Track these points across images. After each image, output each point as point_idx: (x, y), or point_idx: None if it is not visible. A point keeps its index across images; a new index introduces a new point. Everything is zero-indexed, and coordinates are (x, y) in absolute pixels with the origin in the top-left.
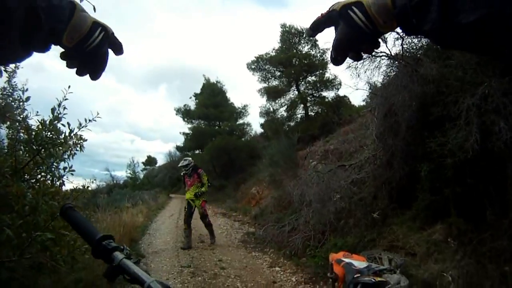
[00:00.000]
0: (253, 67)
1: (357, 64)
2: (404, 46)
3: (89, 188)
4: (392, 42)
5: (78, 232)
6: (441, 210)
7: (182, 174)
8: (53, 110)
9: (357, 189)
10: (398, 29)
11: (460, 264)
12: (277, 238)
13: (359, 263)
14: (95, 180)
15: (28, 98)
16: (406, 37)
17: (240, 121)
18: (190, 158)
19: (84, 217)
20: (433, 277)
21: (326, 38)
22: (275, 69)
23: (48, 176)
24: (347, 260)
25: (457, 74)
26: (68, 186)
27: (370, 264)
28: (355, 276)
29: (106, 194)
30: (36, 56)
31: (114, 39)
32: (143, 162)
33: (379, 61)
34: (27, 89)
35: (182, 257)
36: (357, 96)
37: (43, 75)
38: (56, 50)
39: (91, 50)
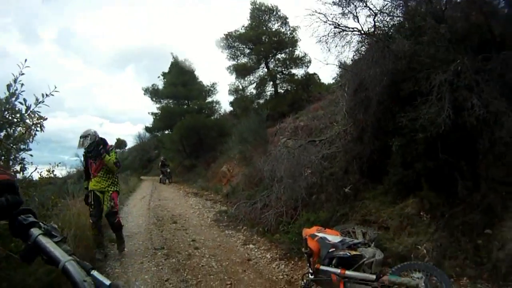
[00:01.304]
0: (222, 44)
1: (327, 38)
2: (376, 23)
3: (60, 175)
4: (364, 19)
5: None
6: (412, 185)
7: (83, 155)
8: (8, 86)
9: (328, 164)
10: (371, 5)
11: (434, 237)
12: (249, 215)
13: (333, 237)
14: (64, 166)
15: None
16: (379, 14)
17: (209, 99)
18: (93, 130)
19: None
20: (408, 250)
21: (296, 14)
22: (244, 46)
23: (10, 161)
24: (321, 234)
25: (429, 51)
26: (35, 175)
27: (344, 238)
28: (330, 250)
29: (77, 180)
30: (1, 41)
31: None
32: (111, 146)
33: (351, 36)
34: None
35: (156, 239)
36: (327, 74)
37: (7, 61)
38: (27, 37)
39: None
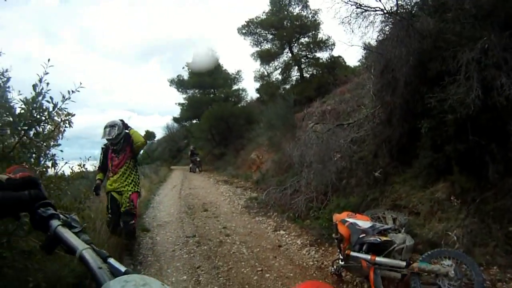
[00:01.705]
0: (244, 31)
1: (350, 19)
2: (399, 1)
3: (85, 167)
4: None
5: None
6: (443, 168)
7: (103, 147)
8: (34, 86)
9: (357, 147)
10: None
11: (464, 223)
12: (279, 201)
13: (364, 223)
14: (94, 160)
15: (8, 79)
16: None
17: (235, 87)
18: (119, 120)
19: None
20: (438, 236)
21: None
22: (266, 32)
23: (41, 159)
24: (351, 220)
25: (455, 29)
26: (67, 171)
27: (375, 223)
28: (360, 236)
29: None
30: (25, 46)
31: (16, 182)
32: None
33: (374, 16)
34: (6, 70)
35: (187, 228)
36: (352, 56)
37: (34, 64)
38: (49, 40)
39: None
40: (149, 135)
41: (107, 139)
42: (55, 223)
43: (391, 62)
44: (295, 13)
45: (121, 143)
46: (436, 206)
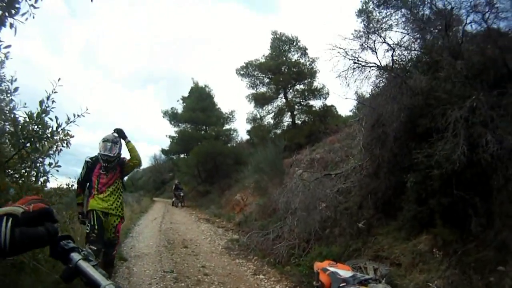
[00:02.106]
0: (242, 72)
1: (347, 73)
2: (394, 57)
3: (73, 187)
4: (382, 54)
5: None
6: (426, 221)
7: (88, 161)
8: (41, 102)
9: (343, 198)
10: (389, 40)
11: (445, 275)
12: (261, 245)
13: (345, 272)
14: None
15: (16, 89)
16: (397, 48)
17: (227, 127)
18: (119, 139)
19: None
20: (419, 287)
21: (316, 45)
22: (263, 76)
23: (33, 172)
24: (332, 269)
25: (446, 87)
26: (52, 184)
27: (356, 273)
28: (340, 285)
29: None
30: (24, 49)
31: (31, 215)
32: None
33: (369, 71)
34: (15, 79)
35: (165, 262)
36: (344, 106)
37: (29, 68)
38: (45, 44)
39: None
40: None
41: (104, 155)
42: (76, 256)
43: (383, 117)
44: (293, 60)
45: (115, 162)
46: (418, 257)
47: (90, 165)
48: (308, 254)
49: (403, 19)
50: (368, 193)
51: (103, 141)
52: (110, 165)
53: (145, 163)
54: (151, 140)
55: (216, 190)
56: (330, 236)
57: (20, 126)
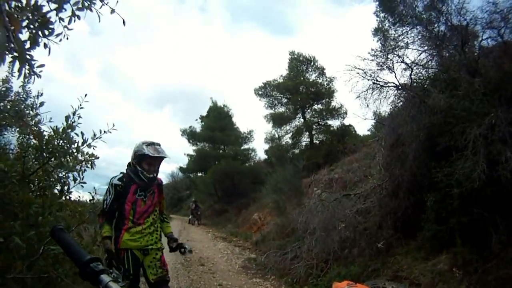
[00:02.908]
0: (260, 92)
1: (366, 93)
2: (412, 76)
3: (94, 201)
4: (400, 73)
5: (67, 253)
6: (446, 240)
7: (118, 184)
8: (67, 118)
9: (362, 218)
10: (407, 59)
11: None
12: (279, 265)
13: None
14: (95, 193)
15: (42, 104)
16: (414, 67)
17: (245, 146)
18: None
19: (73, 239)
20: None
21: (334, 66)
22: (282, 95)
23: (58, 186)
24: None
25: (464, 105)
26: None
27: None
28: None
29: None
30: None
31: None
32: None
33: (387, 91)
34: (41, 94)
35: (182, 279)
36: (362, 125)
37: (53, 85)
38: (64, 61)
39: None
40: None
41: (154, 157)
42: (106, 278)
43: (402, 136)
44: (311, 80)
45: (154, 182)
46: (438, 277)
47: (121, 189)
48: (327, 274)
49: (419, 37)
50: (387, 213)
51: (147, 145)
52: (150, 184)
53: (163, 180)
54: (168, 159)
55: (233, 209)
56: (349, 256)
57: (44, 141)
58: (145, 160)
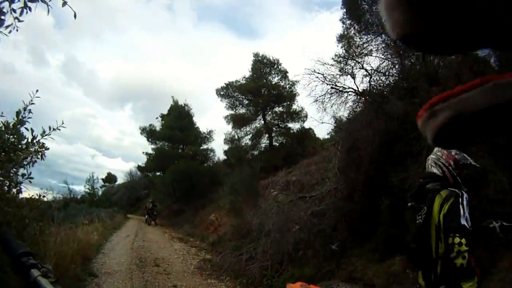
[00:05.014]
0: (222, 93)
1: (324, 98)
2: (372, 83)
3: (45, 199)
4: (360, 79)
5: (1, 247)
6: (400, 243)
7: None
8: (18, 113)
9: (316, 220)
10: (367, 66)
11: None
12: (234, 266)
13: None
14: (51, 191)
15: None
16: (374, 74)
17: (204, 146)
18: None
19: (8, 232)
20: None
21: (296, 70)
22: (243, 97)
23: (6, 182)
24: None
25: None
26: (24, 194)
27: None
28: None
29: (63, 208)
30: (7, 56)
31: None
32: (102, 179)
33: (346, 96)
34: None
35: (136, 280)
36: (322, 129)
37: (14, 77)
38: (27, 53)
39: None
40: (111, 177)
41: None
42: (35, 272)
43: (358, 141)
44: (273, 82)
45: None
46: (392, 278)
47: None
48: (281, 276)
49: (383, 45)
50: (342, 216)
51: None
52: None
53: (120, 178)
54: (127, 156)
55: (191, 209)
56: (303, 258)
57: None
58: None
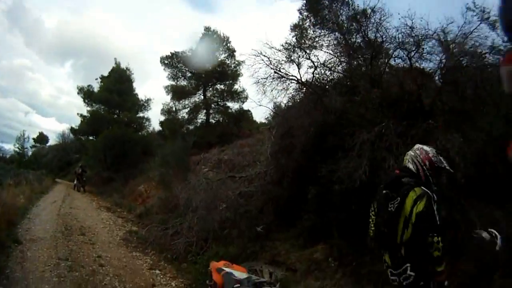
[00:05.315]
0: (166, 62)
1: (266, 81)
2: (316, 75)
3: None
4: (305, 69)
5: None
6: (324, 232)
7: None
8: None
9: (244, 201)
10: (314, 58)
11: (340, 283)
12: (159, 240)
13: (240, 273)
14: None
15: None
16: (320, 67)
17: (141, 114)
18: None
19: None
20: None
21: (244, 51)
22: (187, 69)
23: None
24: (227, 269)
25: (359, 111)
26: None
27: (251, 275)
28: (234, 286)
29: None
30: None
31: None
32: (34, 138)
33: (288, 83)
34: None
35: (61, 249)
36: (260, 113)
37: None
38: None
39: None
40: (42, 138)
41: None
42: None
43: (293, 129)
44: (219, 59)
45: None
46: (314, 265)
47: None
48: (206, 253)
49: (335, 42)
50: (269, 199)
51: (440, 155)
52: None
53: (52, 140)
54: (62, 117)
55: (120, 179)
56: (228, 237)
57: None
58: (442, 175)
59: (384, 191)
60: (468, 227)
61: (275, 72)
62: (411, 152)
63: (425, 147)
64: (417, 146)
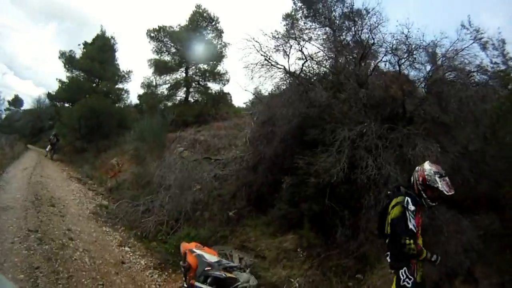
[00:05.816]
0: (152, 35)
1: (254, 67)
2: (304, 67)
3: None
4: (293, 60)
5: None
6: (295, 222)
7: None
8: None
9: (218, 184)
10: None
11: (307, 274)
12: (130, 216)
13: (210, 256)
14: None
15: None
16: (309, 60)
17: (120, 86)
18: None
19: None
20: (281, 281)
21: (232, 34)
22: (172, 45)
23: None
24: (199, 251)
25: (343, 108)
26: None
27: (221, 259)
28: (206, 268)
29: None
30: None
31: None
32: (8, 101)
33: (276, 72)
34: None
35: (30, 220)
36: (240, 97)
37: None
38: None
39: None
40: (17, 100)
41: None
42: None
43: (276, 117)
44: (207, 38)
45: None
46: (283, 254)
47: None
48: (176, 233)
49: (325, 37)
50: (243, 185)
51: (440, 176)
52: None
53: (27, 104)
54: (40, 81)
55: (93, 150)
56: (200, 219)
57: None
58: (434, 193)
59: (388, 192)
60: (436, 233)
61: (264, 59)
62: (417, 167)
63: (427, 166)
64: (425, 163)
